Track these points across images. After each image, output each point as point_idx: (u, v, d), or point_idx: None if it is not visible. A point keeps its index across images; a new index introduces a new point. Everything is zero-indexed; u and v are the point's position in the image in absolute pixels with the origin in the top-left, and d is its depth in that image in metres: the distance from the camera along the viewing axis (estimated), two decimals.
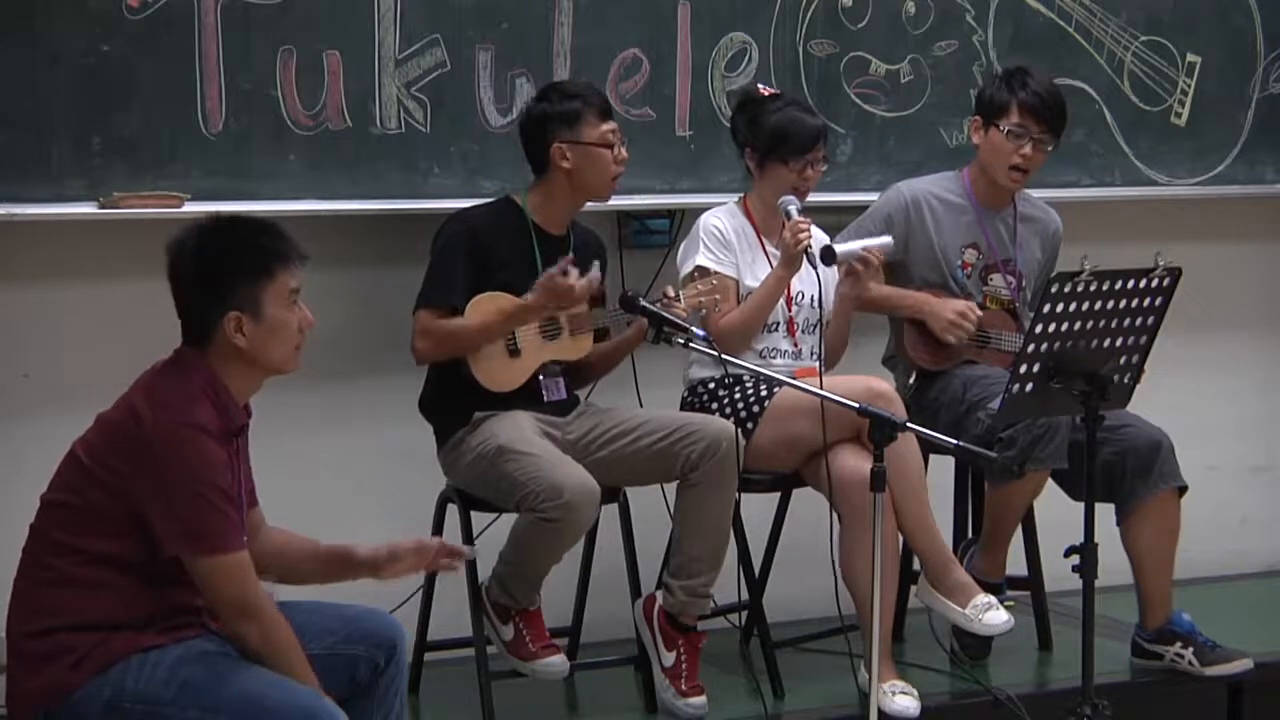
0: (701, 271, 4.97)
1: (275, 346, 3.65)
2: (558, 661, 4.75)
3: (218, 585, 3.54)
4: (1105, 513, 4.89)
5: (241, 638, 3.57)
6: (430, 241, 4.80)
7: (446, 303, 4.72)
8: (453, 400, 4.77)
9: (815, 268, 4.91)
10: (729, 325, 4.94)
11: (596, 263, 4.73)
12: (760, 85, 5.19)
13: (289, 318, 3.66)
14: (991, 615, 4.82)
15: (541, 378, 4.81)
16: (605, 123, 4.80)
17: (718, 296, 4.86)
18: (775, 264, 5.02)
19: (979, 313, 5.21)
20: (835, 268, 5.00)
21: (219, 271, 3.62)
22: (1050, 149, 5.25)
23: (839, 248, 4.96)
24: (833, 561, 4.76)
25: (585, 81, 4.99)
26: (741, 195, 5.15)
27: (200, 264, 3.62)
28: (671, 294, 4.76)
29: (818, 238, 5.05)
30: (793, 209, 4.93)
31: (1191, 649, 5.12)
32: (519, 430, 4.64)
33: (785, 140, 4.99)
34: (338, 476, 5.22)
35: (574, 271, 4.63)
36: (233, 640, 3.59)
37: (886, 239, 5.07)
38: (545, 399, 4.82)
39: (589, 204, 4.95)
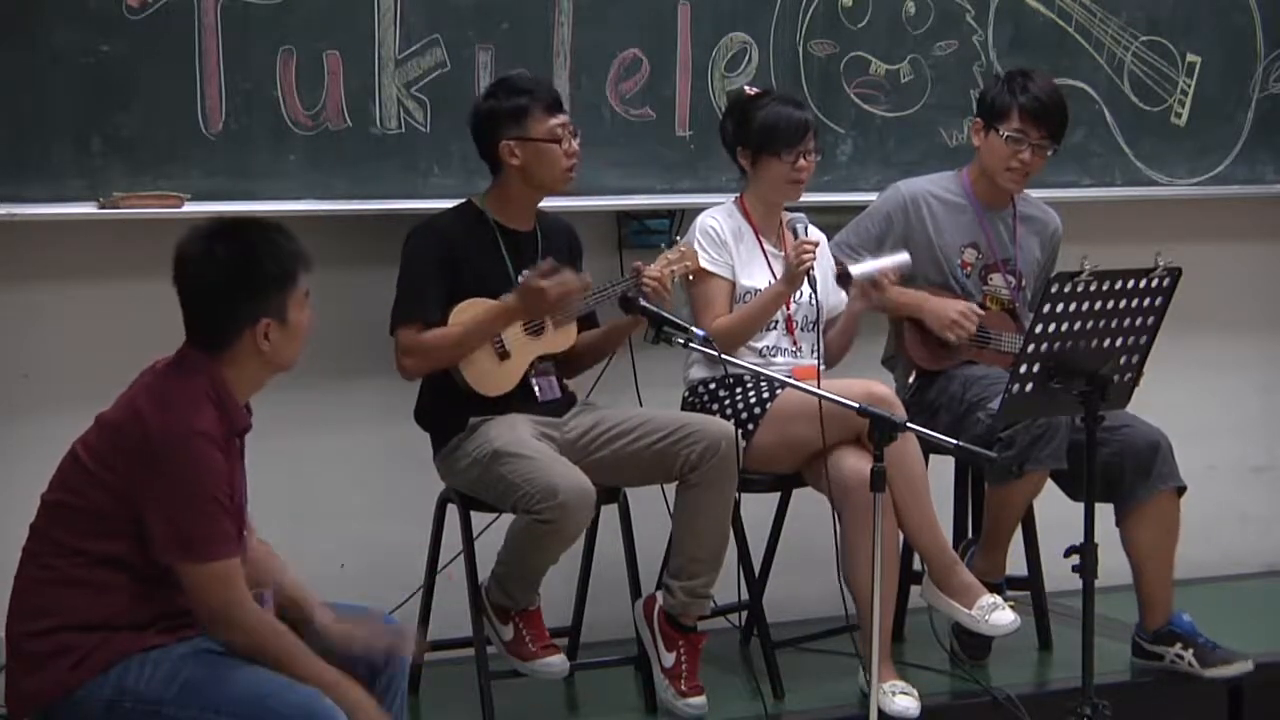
0: (699, 273, 4.97)
1: (294, 348, 3.67)
2: (557, 661, 4.75)
3: (202, 593, 3.53)
4: (1105, 513, 4.89)
5: (227, 646, 3.57)
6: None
7: (424, 318, 4.70)
8: (448, 408, 4.76)
9: (814, 288, 4.92)
10: (722, 328, 4.90)
11: (550, 259, 4.68)
12: (747, 86, 5.19)
13: (305, 319, 3.67)
14: (998, 615, 4.82)
15: (534, 378, 4.81)
16: (554, 117, 4.75)
17: (689, 264, 4.83)
18: (773, 264, 5.03)
19: (980, 313, 5.22)
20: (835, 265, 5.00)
21: (250, 281, 3.59)
22: (1050, 153, 5.24)
23: (854, 270, 4.97)
24: (838, 561, 4.76)
25: (533, 76, 4.94)
26: (738, 195, 5.15)
27: (228, 273, 3.58)
28: (641, 266, 4.75)
29: (822, 252, 5.06)
30: (800, 227, 4.94)
31: (1192, 650, 5.12)
32: (514, 433, 4.63)
33: (774, 134, 4.98)
34: (338, 477, 5.22)
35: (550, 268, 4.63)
36: None
37: (903, 257, 5.06)
38: (540, 399, 4.81)
39: (586, 202, 4.94)
